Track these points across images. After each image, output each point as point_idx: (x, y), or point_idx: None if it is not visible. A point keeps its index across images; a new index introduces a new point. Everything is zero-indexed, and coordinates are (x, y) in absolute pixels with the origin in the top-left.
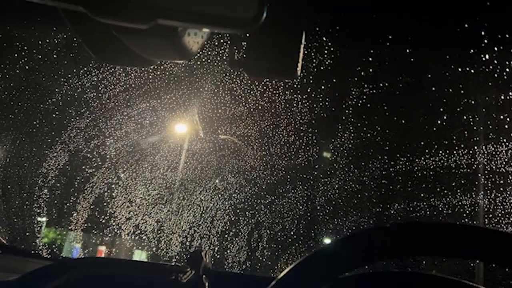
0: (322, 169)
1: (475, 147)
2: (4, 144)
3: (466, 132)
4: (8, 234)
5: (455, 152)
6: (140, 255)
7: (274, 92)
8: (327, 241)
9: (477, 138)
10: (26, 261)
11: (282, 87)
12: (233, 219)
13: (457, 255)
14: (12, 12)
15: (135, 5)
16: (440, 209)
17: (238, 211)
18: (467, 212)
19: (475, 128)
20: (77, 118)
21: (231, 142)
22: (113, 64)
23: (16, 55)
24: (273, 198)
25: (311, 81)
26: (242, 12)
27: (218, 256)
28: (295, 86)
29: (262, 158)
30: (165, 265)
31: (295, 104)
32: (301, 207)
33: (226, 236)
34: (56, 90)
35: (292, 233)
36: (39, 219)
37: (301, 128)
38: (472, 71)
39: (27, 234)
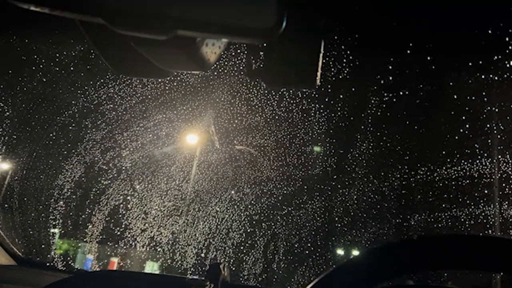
0: (340, 179)
1: (499, 156)
2: (21, 156)
3: (489, 141)
4: (24, 247)
5: (477, 161)
6: (152, 267)
7: (292, 102)
8: (342, 252)
9: (501, 147)
10: (41, 274)
11: (299, 97)
12: (249, 230)
13: (489, 269)
14: (29, 24)
15: (155, 16)
16: (463, 220)
17: (254, 222)
18: (491, 223)
19: (498, 136)
20: (93, 130)
21: (247, 153)
22: (130, 76)
23: (33, 67)
24: (289, 209)
25: (329, 90)
26: (261, 21)
27: (234, 269)
28: (313, 95)
29: (279, 168)
30: (184, 278)
31: (313, 114)
32: (318, 219)
33: (242, 248)
34: (73, 102)
35: (309, 245)
36: (52, 230)
37: (319, 138)
38: (495, 78)
39: (42, 246)
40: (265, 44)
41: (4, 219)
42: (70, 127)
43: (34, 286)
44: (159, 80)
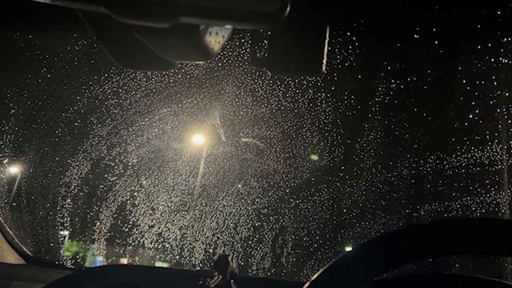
0: (348, 170)
1: (510, 142)
2: (28, 155)
3: (500, 127)
4: (33, 245)
5: (488, 148)
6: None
7: (297, 91)
8: (351, 244)
9: None
10: (51, 272)
11: (305, 86)
12: (256, 224)
13: (503, 254)
14: (32, 20)
15: (158, 4)
16: (473, 208)
17: (261, 216)
18: (502, 211)
19: (510, 122)
20: (99, 126)
21: (254, 145)
22: (134, 69)
23: (37, 64)
24: (297, 202)
25: (336, 78)
26: (265, 6)
27: (242, 263)
28: (319, 84)
29: (286, 160)
30: (192, 270)
31: (319, 103)
32: (326, 211)
33: (250, 242)
34: (78, 98)
35: (317, 237)
36: (61, 232)
37: (326, 128)
38: (506, 61)
39: (51, 245)
40: (269, 32)
41: (13, 218)
42: (76, 124)
43: (44, 283)
44: (163, 73)
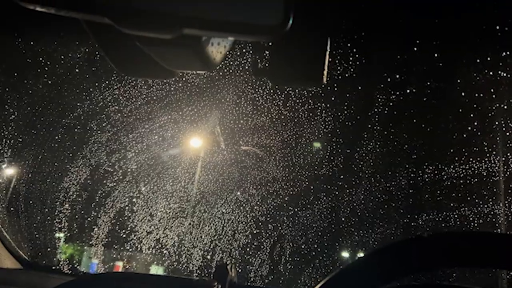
0: (347, 179)
1: (508, 154)
2: (26, 159)
3: (498, 139)
4: (30, 250)
5: (486, 159)
6: (157, 271)
7: (297, 101)
8: (349, 253)
9: (510, 145)
10: (48, 277)
11: (305, 96)
12: (255, 232)
13: (499, 266)
14: (34, 26)
15: (161, 15)
16: (471, 219)
17: (260, 224)
18: (500, 222)
19: (508, 134)
20: (99, 132)
21: (253, 153)
22: (135, 77)
23: (38, 70)
24: (296, 210)
25: (336, 88)
26: (267, 19)
27: (240, 270)
28: (319, 94)
29: (285, 169)
30: (191, 279)
31: (318, 113)
32: (325, 219)
33: (248, 249)
34: (78, 104)
35: (315, 246)
36: (57, 235)
37: (326, 137)
38: (504, 74)
39: (48, 249)
40: (271, 42)
41: (10, 223)
42: (75, 130)
43: None
44: (164, 81)
